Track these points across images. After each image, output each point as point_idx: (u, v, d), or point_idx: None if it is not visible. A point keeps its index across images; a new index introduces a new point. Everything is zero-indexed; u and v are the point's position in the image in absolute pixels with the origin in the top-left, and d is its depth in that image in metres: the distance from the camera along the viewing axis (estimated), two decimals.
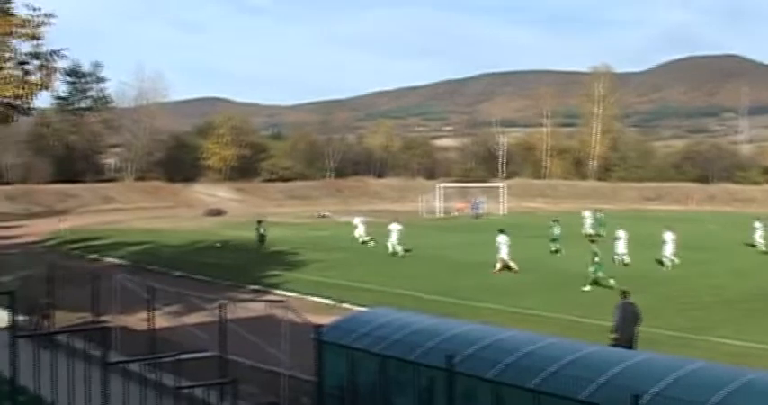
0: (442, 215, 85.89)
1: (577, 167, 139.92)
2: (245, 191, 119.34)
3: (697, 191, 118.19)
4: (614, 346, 20.03)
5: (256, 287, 36.23)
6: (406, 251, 48.39)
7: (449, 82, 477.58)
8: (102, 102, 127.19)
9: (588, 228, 61.40)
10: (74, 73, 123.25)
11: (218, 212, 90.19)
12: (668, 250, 43.11)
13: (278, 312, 21.53)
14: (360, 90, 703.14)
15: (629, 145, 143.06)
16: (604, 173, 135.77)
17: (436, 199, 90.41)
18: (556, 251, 48.89)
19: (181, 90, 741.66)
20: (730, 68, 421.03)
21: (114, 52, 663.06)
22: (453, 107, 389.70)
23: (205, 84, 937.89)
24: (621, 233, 44.07)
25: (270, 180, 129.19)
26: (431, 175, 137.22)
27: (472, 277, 39.00)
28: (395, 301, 28.91)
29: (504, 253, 41.39)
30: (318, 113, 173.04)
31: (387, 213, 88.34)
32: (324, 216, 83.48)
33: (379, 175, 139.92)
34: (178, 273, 41.03)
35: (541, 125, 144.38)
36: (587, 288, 34.77)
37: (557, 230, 50.50)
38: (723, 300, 32.48)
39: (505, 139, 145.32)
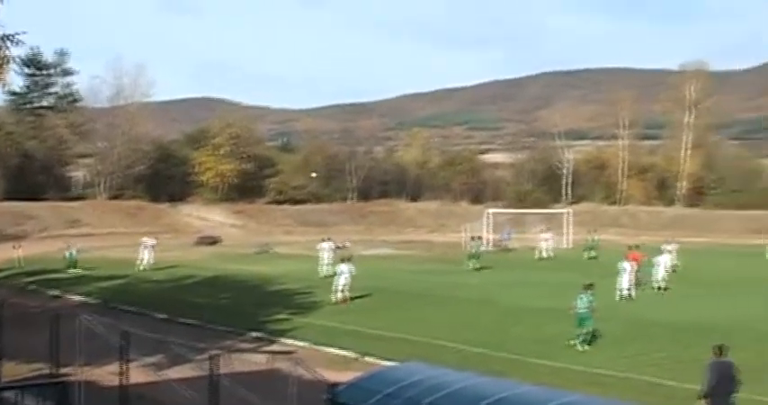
0: (490, 248, 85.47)
1: (662, 191, 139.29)
2: (245, 214, 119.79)
3: None
4: None
5: (258, 334, 36.24)
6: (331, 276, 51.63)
7: (500, 82, 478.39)
8: (69, 100, 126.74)
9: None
10: (33, 63, 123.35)
11: (212, 241, 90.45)
12: (659, 274, 50.31)
13: (284, 366, 21.49)
14: (390, 92, 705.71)
15: (728, 162, 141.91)
16: (696, 198, 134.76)
17: (484, 228, 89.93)
18: (478, 269, 61.92)
19: (168, 88, 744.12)
20: None
21: (85, 38, 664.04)
22: (506, 114, 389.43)
23: (199, 81, 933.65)
24: (626, 265, 47.25)
25: (277, 202, 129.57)
26: (478, 198, 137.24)
27: (526, 326, 38.80)
28: (430, 355, 28.79)
29: (340, 283, 45.53)
30: (338, 120, 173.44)
31: (421, 245, 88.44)
32: (343, 247, 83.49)
33: (414, 198, 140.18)
34: (160, 315, 41.05)
35: (616, 137, 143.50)
36: (582, 348, 33.11)
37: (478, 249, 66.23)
38: None
39: (571, 155, 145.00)
